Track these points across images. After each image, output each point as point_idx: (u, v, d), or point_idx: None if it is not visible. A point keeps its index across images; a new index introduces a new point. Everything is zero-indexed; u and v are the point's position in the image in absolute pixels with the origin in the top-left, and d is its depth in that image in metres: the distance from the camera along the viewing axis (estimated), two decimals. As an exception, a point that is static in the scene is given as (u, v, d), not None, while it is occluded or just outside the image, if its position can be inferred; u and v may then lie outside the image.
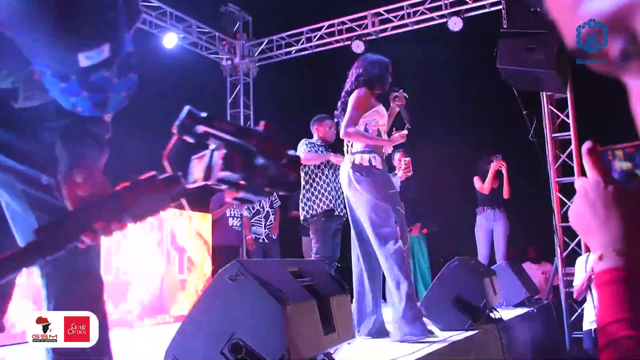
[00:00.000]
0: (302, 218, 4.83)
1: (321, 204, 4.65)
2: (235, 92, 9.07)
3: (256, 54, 8.93)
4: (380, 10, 7.98)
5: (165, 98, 7.38)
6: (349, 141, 3.60)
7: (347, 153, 3.61)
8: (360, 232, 3.56)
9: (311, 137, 5.08)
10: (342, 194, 4.79)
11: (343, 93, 3.70)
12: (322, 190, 4.69)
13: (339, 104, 3.71)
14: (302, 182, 4.85)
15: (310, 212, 4.70)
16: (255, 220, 6.84)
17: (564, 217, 6.65)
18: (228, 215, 7.02)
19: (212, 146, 1.14)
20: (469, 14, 7.52)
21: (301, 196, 4.84)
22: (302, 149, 4.78)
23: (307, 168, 4.80)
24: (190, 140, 1.13)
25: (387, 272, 3.33)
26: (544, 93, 6.95)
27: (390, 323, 3.45)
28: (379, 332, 3.54)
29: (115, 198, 1.19)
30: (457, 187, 7.89)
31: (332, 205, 4.68)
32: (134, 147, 6.60)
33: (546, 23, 6.41)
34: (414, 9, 7.79)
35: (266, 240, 6.86)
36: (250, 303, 1.87)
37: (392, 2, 7.92)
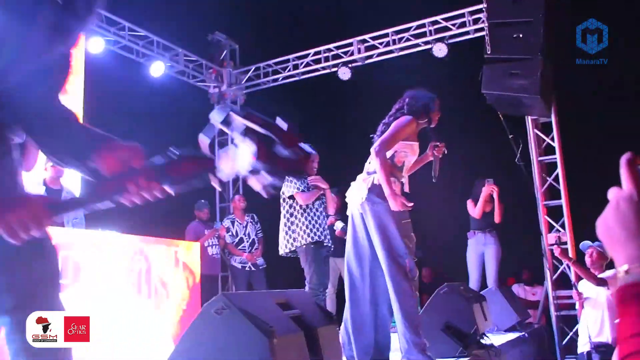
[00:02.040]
0: (285, 250, 4.79)
1: (308, 237, 4.65)
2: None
3: (243, 81, 9.01)
4: (366, 37, 8.08)
5: (153, 126, 7.33)
6: (369, 161, 3.56)
7: (365, 171, 3.53)
8: (360, 254, 3.48)
9: None
10: (327, 225, 4.80)
11: (385, 119, 3.63)
12: (311, 222, 4.69)
13: (379, 127, 3.63)
14: (284, 213, 4.80)
15: (295, 243, 4.71)
16: (240, 249, 6.81)
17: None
18: (206, 245, 6.99)
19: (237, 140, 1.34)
20: (453, 40, 7.66)
21: (284, 227, 4.78)
22: (293, 188, 4.75)
23: (291, 200, 4.78)
24: (226, 130, 1.38)
25: (396, 302, 3.30)
26: (529, 117, 7.02)
27: (396, 351, 3.44)
28: (378, 356, 3.47)
29: (157, 165, 1.38)
30: (446, 210, 7.83)
31: (322, 237, 4.70)
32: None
33: (529, 48, 6.55)
34: (399, 36, 7.93)
35: (252, 269, 6.80)
36: (237, 336, 1.85)
37: (377, 29, 8.02)
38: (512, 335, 4.98)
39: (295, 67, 8.57)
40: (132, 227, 5.14)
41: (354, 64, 8.11)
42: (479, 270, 6.43)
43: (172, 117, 7.80)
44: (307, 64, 8.47)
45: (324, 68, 8.38)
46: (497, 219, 6.45)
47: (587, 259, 5.37)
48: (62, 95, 1.64)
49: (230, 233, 6.87)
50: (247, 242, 6.86)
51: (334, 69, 8.17)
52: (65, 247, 4.00)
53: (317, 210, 4.77)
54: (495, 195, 6.43)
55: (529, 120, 7.04)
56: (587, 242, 5.40)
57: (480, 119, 7.54)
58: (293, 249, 4.72)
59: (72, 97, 6.40)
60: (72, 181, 5.63)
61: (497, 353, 3.78)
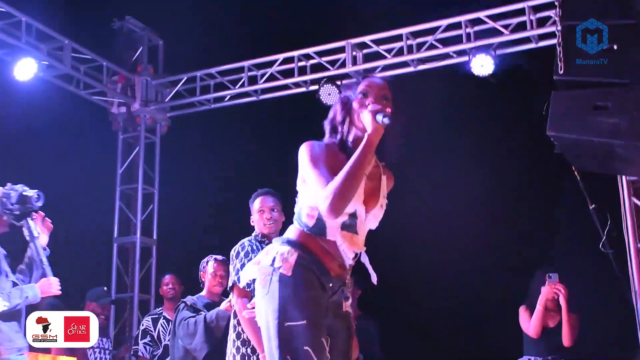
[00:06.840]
0: None
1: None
2: (131, 157, 8.71)
3: (168, 98, 8.73)
4: (366, 39, 7.77)
5: (17, 158, 7.30)
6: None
7: None
8: None
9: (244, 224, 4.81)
10: None
11: None
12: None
13: None
14: None
15: None
16: None
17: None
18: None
19: None
20: (502, 50, 7.34)
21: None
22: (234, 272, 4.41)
23: None
24: None
25: None
26: (623, 177, 6.80)
27: None
28: None
29: None
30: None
31: None
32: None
33: (627, 67, 5.78)
34: (418, 40, 7.62)
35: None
36: None
37: (383, 30, 7.73)
38: None
39: (253, 80, 8.29)
40: None
41: (345, 80, 7.61)
42: None
43: (47, 147, 7.71)
44: (272, 77, 8.17)
45: (297, 84, 8.12)
46: (566, 340, 5.87)
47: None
48: None
49: (146, 340, 6.12)
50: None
51: (313, 87, 7.83)
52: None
53: None
54: (562, 301, 5.85)
55: (623, 182, 6.77)
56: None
57: (542, 173, 7.65)
58: None
59: None
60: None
61: None
